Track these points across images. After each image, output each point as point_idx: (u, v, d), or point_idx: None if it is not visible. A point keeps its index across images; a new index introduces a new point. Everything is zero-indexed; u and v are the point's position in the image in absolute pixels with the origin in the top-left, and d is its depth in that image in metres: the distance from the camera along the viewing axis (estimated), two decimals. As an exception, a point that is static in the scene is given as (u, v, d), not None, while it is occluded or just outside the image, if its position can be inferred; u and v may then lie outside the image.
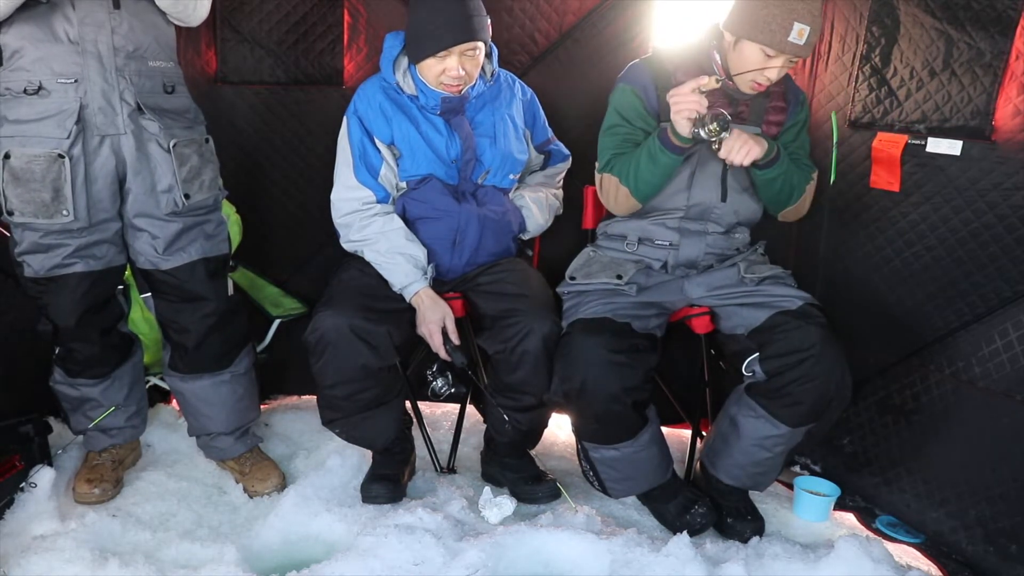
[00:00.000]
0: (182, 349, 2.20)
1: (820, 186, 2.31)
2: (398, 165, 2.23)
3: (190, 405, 2.28)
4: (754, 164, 2.08)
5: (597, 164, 2.24)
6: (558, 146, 2.47)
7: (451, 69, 2.10)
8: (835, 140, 2.28)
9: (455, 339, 2.15)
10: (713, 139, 1.97)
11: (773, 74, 2.03)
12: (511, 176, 2.33)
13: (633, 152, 2.12)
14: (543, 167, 2.48)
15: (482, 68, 2.22)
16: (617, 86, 2.21)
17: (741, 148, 2.00)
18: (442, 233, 2.25)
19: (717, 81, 1.96)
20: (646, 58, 2.24)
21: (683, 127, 1.97)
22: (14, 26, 1.86)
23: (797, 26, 1.95)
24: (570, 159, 2.50)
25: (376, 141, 2.21)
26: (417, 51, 2.12)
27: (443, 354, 2.15)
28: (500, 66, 2.33)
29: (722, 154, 2.02)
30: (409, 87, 2.21)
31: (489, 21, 2.15)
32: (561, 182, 2.52)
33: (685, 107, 1.94)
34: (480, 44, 2.12)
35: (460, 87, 2.16)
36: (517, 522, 2.10)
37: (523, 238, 2.44)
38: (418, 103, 2.21)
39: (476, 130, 2.25)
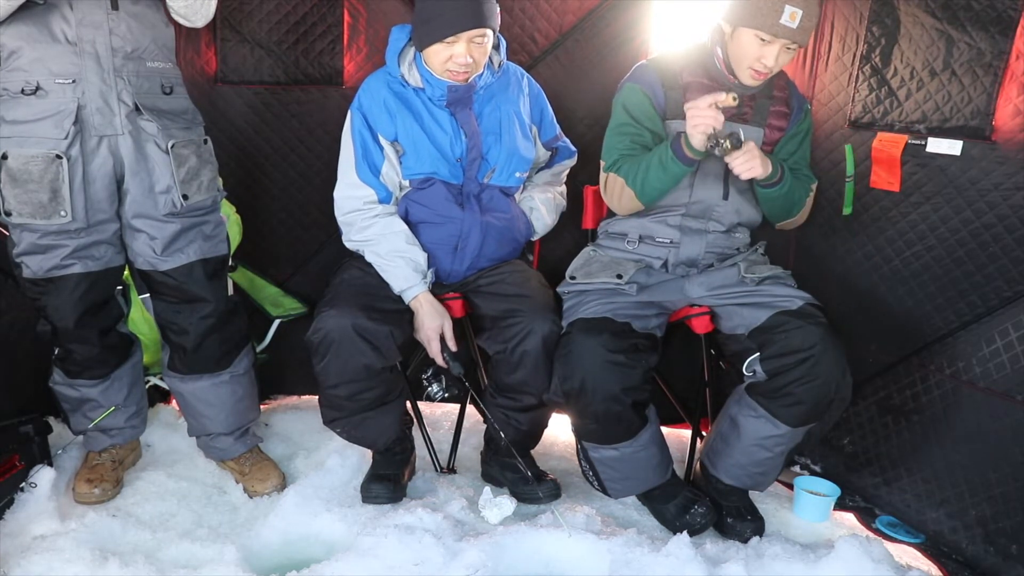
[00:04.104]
0: (181, 350, 2.19)
1: (821, 186, 2.32)
2: (401, 163, 2.23)
3: (189, 406, 2.28)
4: (756, 180, 2.09)
5: (603, 163, 2.24)
6: (565, 142, 2.46)
7: (458, 56, 2.08)
8: (850, 173, 2.25)
9: (453, 346, 2.15)
10: (728, 155, 1.98)
11: (770, 60, 2.03)
12: (517, 174, 2.31)
13: (642, 156, 2.12)
14: (549, 163, 2.48)
15: (489, 59, 2.21)
16: (624, 86, 2.22)
17: (745, 163, 2.01)
18: (444, 238, 2.25)
19: (734, 99, 1.95)
20: (652, 59, 2.25)
21: (698, 141, 1.98)
22: (12, 26, 1.85)
23: (789, 9, 1.96)
24: (576, 155, 2.50)
25: (379, 138, 2.20)
26: (425, 36, 2.10)
27: (440, 361, 2.15)
28: (503, 64, 2.32)
29: (728, 160, 2.03)
30: (415, 79, 2.19)
31: (498, 9, 2.13)
32: (564, 178, 2.53)
33: (702, 122, 1.95)
34: (488, 32, 2.10)
35: (466, 75, 2.14)
36: (517, 522, 2.10)
37: (531, 239, 2.44)
38: (424, 95, 2.20)
39: (481, 126, 2.24)
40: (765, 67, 2.05)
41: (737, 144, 1.97)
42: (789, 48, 2.04)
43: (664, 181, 2.09)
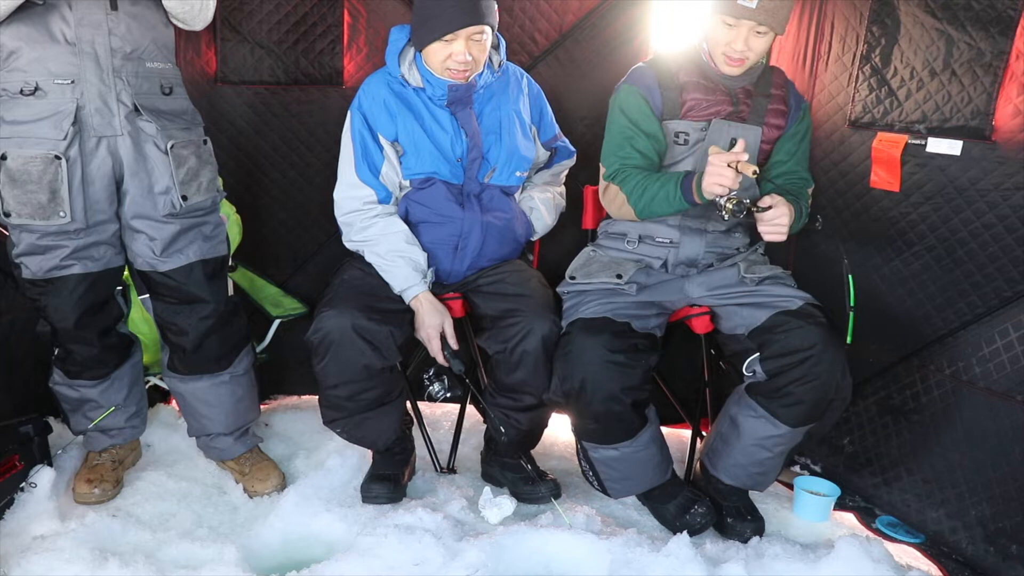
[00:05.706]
0: (180, 350, 2.19)
1: (822, 186, 2.31)
2: (401, 163, 2.23)
3: (189, 406, 2.28)
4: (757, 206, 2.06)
5: (603, 168, 2.24)
6: (564, 142, 2.46)
7: (457, 54, 2.08)
8: (852, 304, 2.09)
9: (454, 345, 2.15)
10: (726, 216, 1.97)
11: (739, 44, 2.04)
12: (517, 174, 2.32)
13: (646, 177, 2.11)
14: (548, 164, 2.48)
15: (489, 59, 2.21)
16: (621, 88, 2.22)
17: (772, 235, 2.02)
18: (444, 238, 2.25)
19: (754, 173, 1.92)
20: (649, 60, 2.26)
21: (710, 195, 1.97)
22: (11, 26, 1.85)
23: None
24: (575, 156, 2.50)
25: (380, 138, 2.20)
26: (424, 35, 2.10)
27: (441, 359, 2.15)
28: (503, 64, 2.32)
29: (760, 229, 2.02)
30: (415, 79, 2.19)
31: (496, 6, 2.13)
32: (564, 178, 2.53)
33: (719, 181, 1.93)
34: (487, 29, 2.10)
35: (466, 73, 2.14)
36: (517, 522, 2.10)
37: (531, 239, 2.44)
38: (424, 95, 2.20)
39: (482, 126, 2.24)
40: (735, 51, 2.05)
41: (740, 211, 1.96)
42: (759, 32, 2.03)
43: (666, 211, 2.11)
